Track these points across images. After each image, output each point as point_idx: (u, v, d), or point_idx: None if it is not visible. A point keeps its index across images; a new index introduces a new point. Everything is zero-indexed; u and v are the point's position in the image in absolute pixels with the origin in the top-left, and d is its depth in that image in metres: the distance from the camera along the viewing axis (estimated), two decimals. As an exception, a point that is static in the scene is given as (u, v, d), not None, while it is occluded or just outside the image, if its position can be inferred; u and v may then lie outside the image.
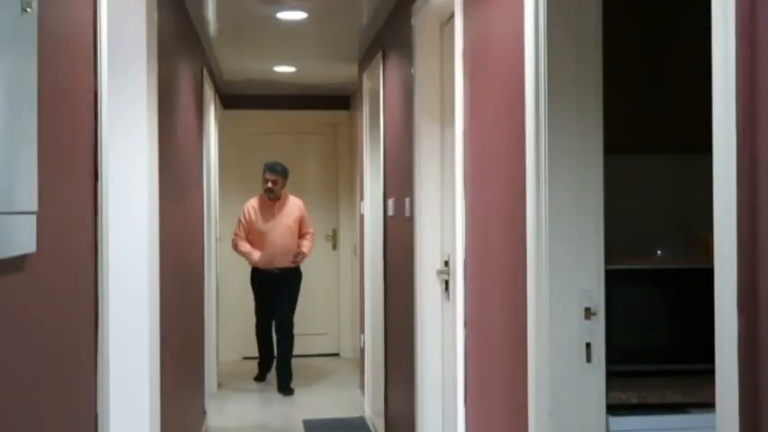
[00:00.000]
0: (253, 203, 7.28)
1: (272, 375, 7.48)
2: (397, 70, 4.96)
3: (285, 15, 5.31)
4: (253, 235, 7.22)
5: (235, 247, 7.31)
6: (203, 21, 5.44)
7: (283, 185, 7.21)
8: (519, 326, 2.51)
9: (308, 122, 8.84)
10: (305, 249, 7.25)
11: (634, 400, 2.40)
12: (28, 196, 1.71)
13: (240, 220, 7.31)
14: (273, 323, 7.38)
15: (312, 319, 8.61)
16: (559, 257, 2.32)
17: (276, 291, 7.26)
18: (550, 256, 2.31)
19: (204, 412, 6.05)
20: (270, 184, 7.16)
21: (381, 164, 5.49)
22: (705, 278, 1.69)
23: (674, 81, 2.81)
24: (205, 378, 6.16)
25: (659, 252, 3.05)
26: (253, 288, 7.47)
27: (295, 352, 7.38)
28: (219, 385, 7.37)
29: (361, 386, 6.78)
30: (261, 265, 7.19)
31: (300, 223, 7.29)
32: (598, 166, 2.34)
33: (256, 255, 7.20)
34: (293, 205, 7.29)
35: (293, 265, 7.23)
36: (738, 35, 1.43)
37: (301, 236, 7.28)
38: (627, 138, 2.77)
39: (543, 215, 2.32)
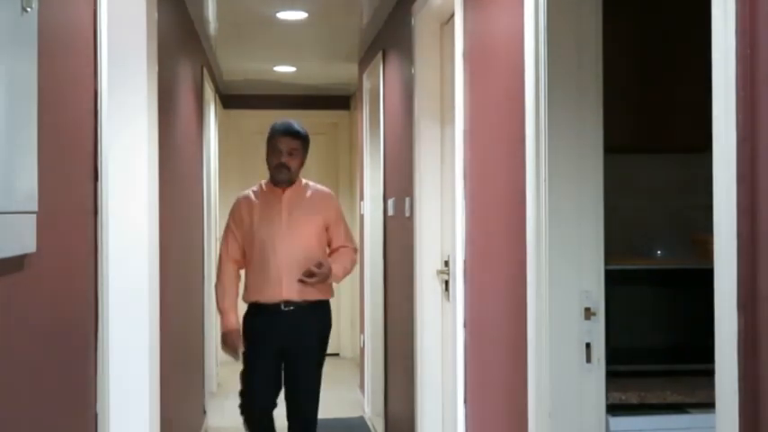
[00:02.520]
0: (247, 196, 4.25)
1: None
2: (397, 70, 4.96)
3: (285, 15, 5.31)
4: (249, 247, 4.15)
5: (218, 276, 4.26)
6: (203, 21, 5.44)
7: (303, 162, 4.20)
8: (519, 326, 2.50)
9: (308, 122, 8.71)
10: (334, 265, 4.12)
11: (634, 401, 2.40)
12: (28, 196, 1.71)
13: (229, 226, 4.23)
14: (286, 404, 4.27)
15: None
16: (559, 258, 2.31)
17: (289, 344, 4.12)
18: (550, 257, 2.31)
19: (204, 412, 6.05)
20: (285, 158, 4.11)
21: (381, 164, 5.49)
22: (705, 278, 1.68)
23: (674, 81, 2.80)
24: (205, 378, 6.16)
25: (659, 252, 3.04)
26: (246, 338, 4.16)
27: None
28: (219, 385, 7.36)
29: (361, 386, 6.77)
30: (261, 300, 4.11)
31: (330, 229, 4.22)
32: (598, 166, 2.34)
33: (230, 317, 4.18)
34: (317, 199, 4.24)
35: (316, 298, 4.11)
36: (738, 35, 1.43)
37: (333, 251, 4.25)
38: (627, 138, 2.77)
39: (543, 215, 2.32)
